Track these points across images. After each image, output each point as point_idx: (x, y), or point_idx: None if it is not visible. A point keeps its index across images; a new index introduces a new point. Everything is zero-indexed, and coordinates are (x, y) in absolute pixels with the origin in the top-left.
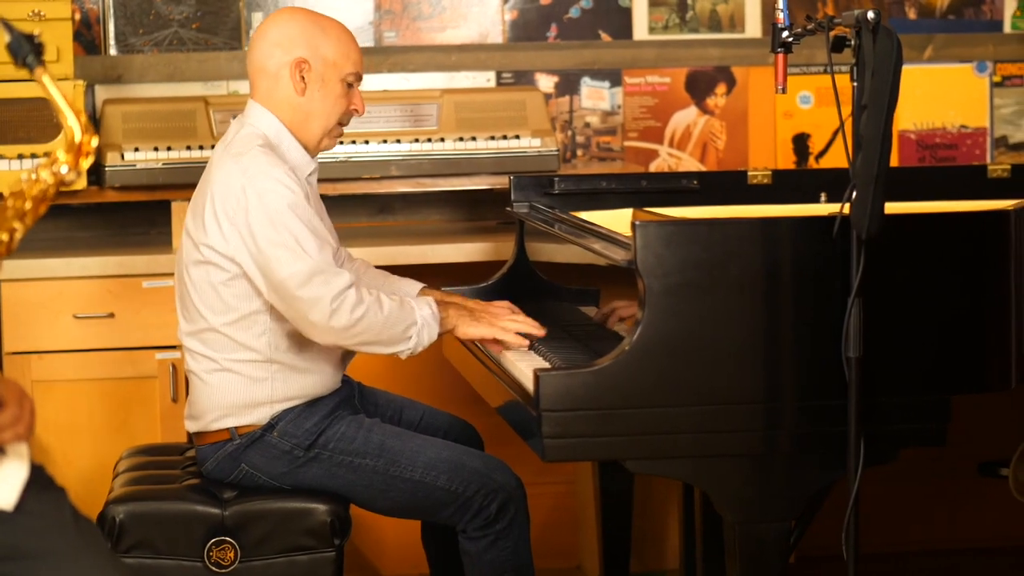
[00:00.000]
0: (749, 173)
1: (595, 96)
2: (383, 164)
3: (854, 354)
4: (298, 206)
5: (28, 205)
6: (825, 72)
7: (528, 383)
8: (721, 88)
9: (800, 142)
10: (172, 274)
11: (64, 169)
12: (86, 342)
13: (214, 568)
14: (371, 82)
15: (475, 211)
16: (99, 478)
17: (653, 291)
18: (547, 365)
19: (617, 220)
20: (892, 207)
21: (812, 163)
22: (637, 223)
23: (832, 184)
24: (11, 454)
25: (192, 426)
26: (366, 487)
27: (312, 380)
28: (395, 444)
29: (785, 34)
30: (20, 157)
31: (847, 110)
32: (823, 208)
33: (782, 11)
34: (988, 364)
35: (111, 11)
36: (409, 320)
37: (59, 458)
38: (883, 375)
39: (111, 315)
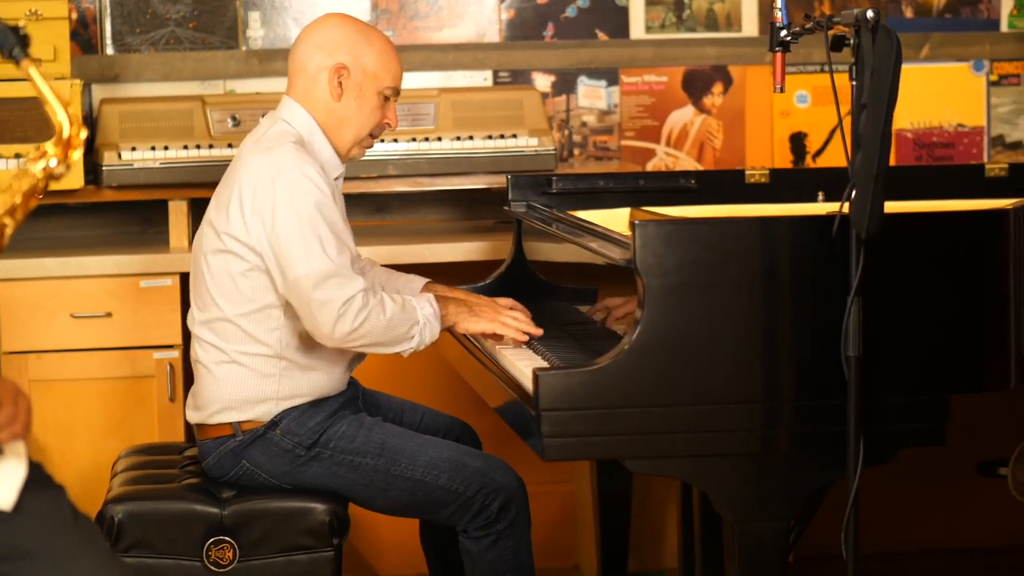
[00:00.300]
0: (747, 172)
1: (592, 95)
2: (380, 163)
3: (854, 353)
4: (325, 205)
5: (18, 200)
6: (822, 71)
7: (527, 383)
8: (718, 87)
9: (797, 141)
10: (170, 273)
11: (53, 163)
12: (84, 342)
13: (213, 568)
14: None
15: (472, 210)
16: (97, 478)
17: (652, 290)
18: (546, 364)
19: (615, 219)
20: (890, 206)
21: (809, 162)
22: (637, 222)
23: (830, 183)
24: (8, 453)
25: (194, 416)
26: (367, 486)
27: (319, 380)
28: (396, 443)
29: (783, 33)
30: (17, 156)
31: (844, 109)
32: (821, 207)
33: (780, 10)
34: (987, 363)
35: (108, 10)
36: (411, 320)
37: (57, 458)
38: (882, 374)
39: (109, 315)
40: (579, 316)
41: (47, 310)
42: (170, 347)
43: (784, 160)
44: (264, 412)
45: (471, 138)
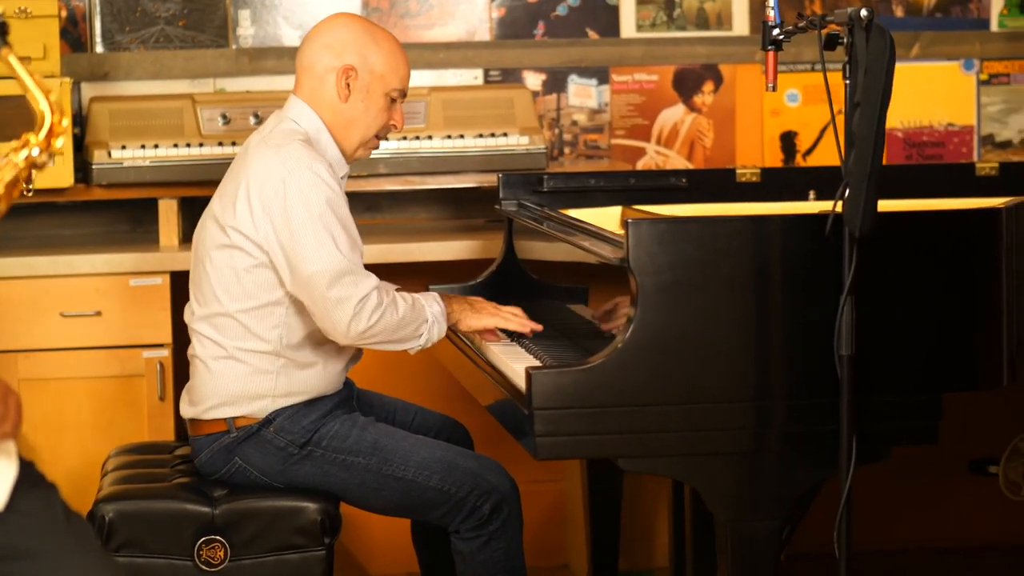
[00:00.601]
0: (737, 171)
1: (582, 94)
2: (371, 162)
3: (847, 352)
4: (336, 203)
5: (1, 190)
6: (812, 70)
7: (520, 381)
8: (708, 86)
9: (787, 140)
10: (159, 272)
11: (36, 152)
12: (73, 340)
13: (204, 567)
14: None
15: (463, 209)
16: (87, 477)
17: (645, 289)
18: (538, 363)
19: (606, 218)
20: (882, 205)
21: (800, 161)
22: (630, 221)
23: (821, 182)
24: None
25: (189, 412)
26: (359, 485)
27: (316, 379)
28: (388, 443)
29: (776, 32)
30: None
31: (836, 108)
32: (813, 206)
33: (773, 9)
34: (979, 362)
35: (97, 8)
36: (421, 319)
37: (46, 457)
38: (874, 373)
39: (98, 313)
40: (570, 315)
41: (37, 309)
42: (160, 346)
43: (774, 159)
44: (259, 409)
45: (462, 137)
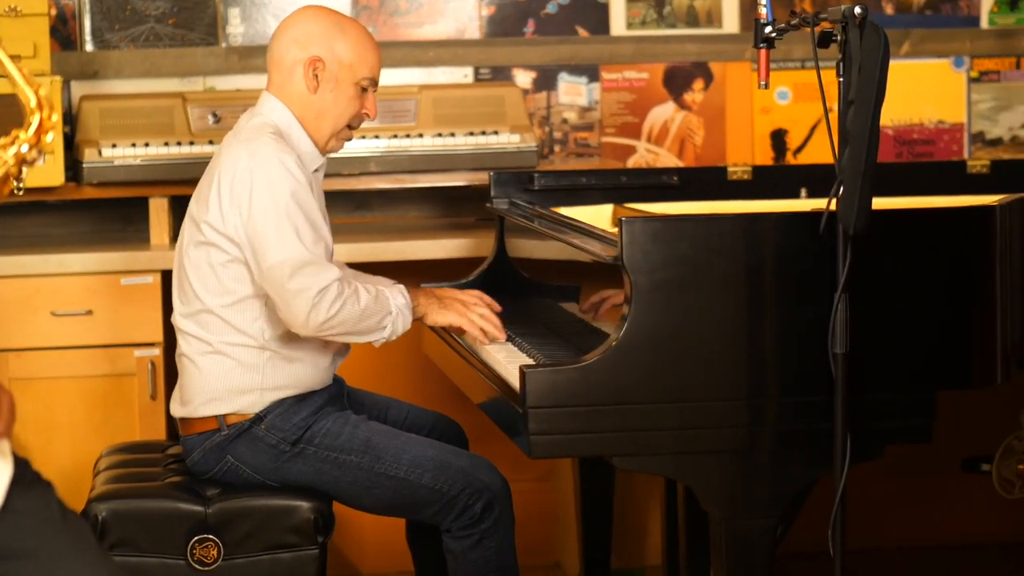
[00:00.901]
0: (729, 169)
1: (572, 92)
2: (361, 160)
3: (841, 350)
4: (301, 195)
5: None
6: (802, 67)
7: (513, 379)
8: (699, 83)
9: (778, 138)
10: (150, 271)
11: (25, 148)
12: (64, 339)
13: (197, 566)
14: None
15: (453, 207)
16: (78, 476)
17: (639, 287)
18: (531, 361)
19: (597, 216)
20: (875, 203)
21: (790, 158)
22: (624, 219)
23: (812, 180)
24: None
25: (180, 411)
26: (351, 484)
27: (304, 372)
28: (381, 441)
29: (768, 29)
30: None
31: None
32: (805, 204)
33: (765, 6)
34: (974, 360)
35: (87, 7)
36: (384, 311)
37: (37, 456)
38: (868, 371)
39: (89, 312)
40: (561, 313)
41: (27, 308)
42: (151, 345)
43: (765, 156)
44: (249, 404)
45: (452, 135)
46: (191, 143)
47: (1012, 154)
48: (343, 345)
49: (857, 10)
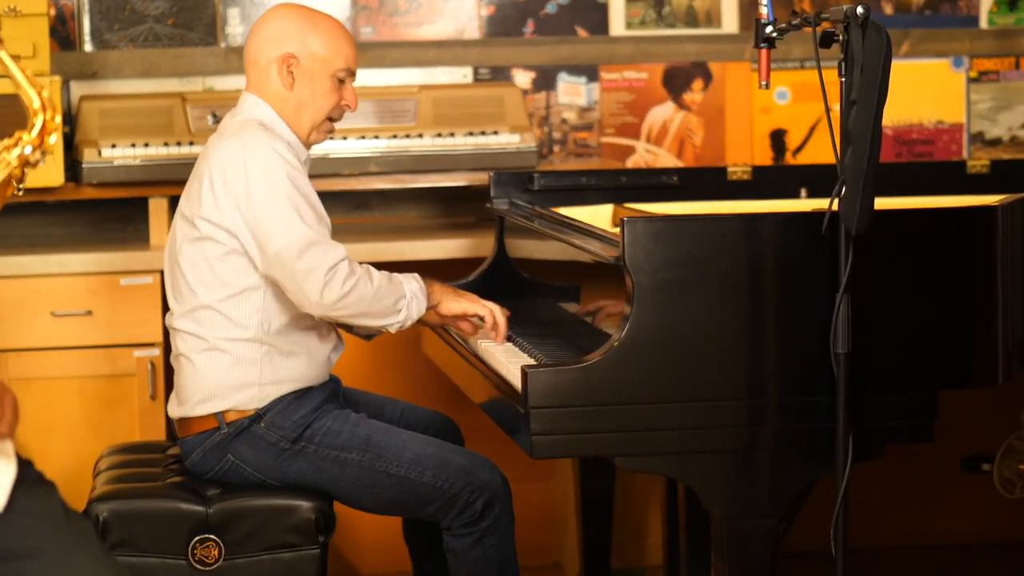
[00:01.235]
0: (729, 169)
1: (572, 92)
2: (361, 160)
3: (843, 350)
4: (297, 178)
5: None
6: (802, 67)
7: (515, 379)
8: (698, 83)
9: (777, 138)
10: (150, 271)
11: (28, 149)
12: (64, 340)
13: (198, 566)
14: None
15: (453, 207)
16: (78, 476)
17: (641, 287)
18: (532, 361)
19: (597, 216)
20: (875, 203)
21: (789, 158)
22: (626, 220)
23: (812, 179)
24: None
25: (177, 411)
26: (351, 482)
27: (301, 367)
28: (381, 439)
29: (769, 29)
30: None
31: (823, 106)
32: (806, 204)
33: (765, 6)
34: (975, 360)
35: (86, 7)
36: (399, 293)
37: (36, 456)
38: (870, 371)
39: (89, 312)
40: (561, 313)
41: (27, 308)
42: (151, 345)
43: (764, 157)
44: (247, 400)
45: (452, 135)
46: (190, 143)
47: (1012, 154)
48: (339, 339)
49: (859, 10)
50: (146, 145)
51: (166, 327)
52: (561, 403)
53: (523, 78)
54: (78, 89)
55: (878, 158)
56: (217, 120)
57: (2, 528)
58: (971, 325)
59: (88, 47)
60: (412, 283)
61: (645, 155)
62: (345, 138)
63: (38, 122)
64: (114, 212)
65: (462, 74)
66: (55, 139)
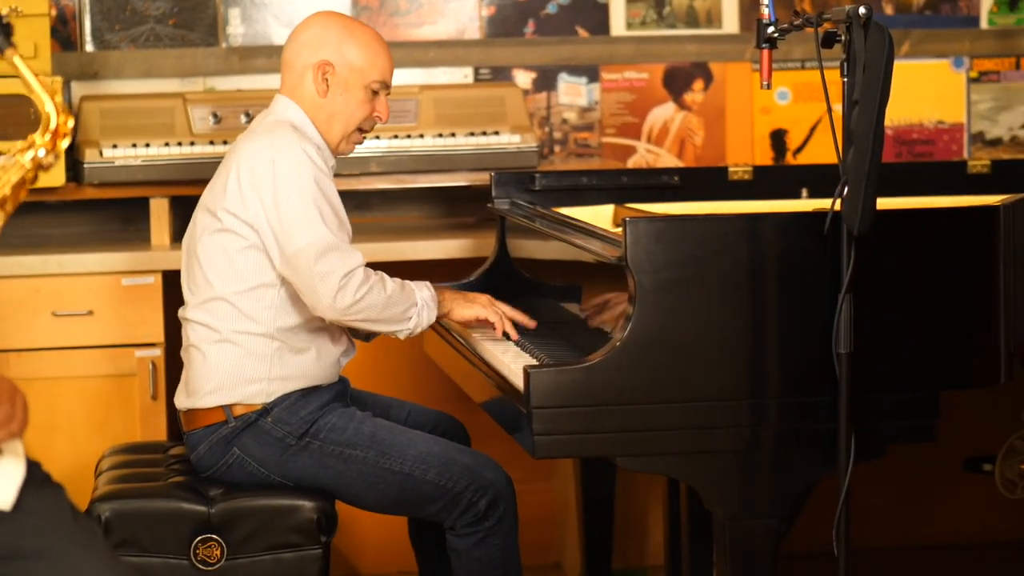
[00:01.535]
0: (730, 169)
1: (572, 92)
2: (362, 160)
3: (845, 350)
4: (323, 182)
5: (8, 192)
6: (802, 68)
7: (517, 379)
8: (698, 84)
9: (778, 138)
10: (151, 271)
11: (42, 153)
12: (65, 340)
13: (200, 566)
14: None
15: (454, 207)
16: (79, 477)
17: (643, 287)
18: (534, 361)
19: (598, 216)
20: (877, 203)
21: (790, 159)
22: (628, 220)
23: (813, 180)
24: (7, 452)
25: (185, 403)
26: (356, 478)
27: (311, 365)
28: (386, 437)
29: (771, 30)
30: (0, 154)
31: (823, 106)
32: (807, 204)
33: (767, 6)
34: (976, 360)
35: (87, 7)
36: (410, 301)
37: (38, 456)
38: (872, 371)
39: (90, 312)
40: (563, 313)
41: (28, 308)
42: (152, 345)
43: (764, 157)
44: (255, 394)
45: (453, 135)
46: (192, 143)
47: (1012, 154)
48: (350, 343)
49: (862, 10)
50: (147, 145)
51: (177, 320)
52: (563, 403)
53: (524, 78)
54: (79, 89)
55: (880, 158)
56: (218, 120)
57: (10, 527)
58: (973, 325)
59: (89, 47)
60: (424, 291)
61: (646, 155)
62: None
63: (51, 126)
64: (115, 212)
65: (463, 74)
66: (67, 143)
